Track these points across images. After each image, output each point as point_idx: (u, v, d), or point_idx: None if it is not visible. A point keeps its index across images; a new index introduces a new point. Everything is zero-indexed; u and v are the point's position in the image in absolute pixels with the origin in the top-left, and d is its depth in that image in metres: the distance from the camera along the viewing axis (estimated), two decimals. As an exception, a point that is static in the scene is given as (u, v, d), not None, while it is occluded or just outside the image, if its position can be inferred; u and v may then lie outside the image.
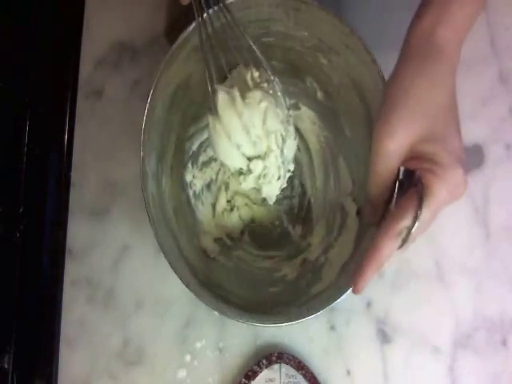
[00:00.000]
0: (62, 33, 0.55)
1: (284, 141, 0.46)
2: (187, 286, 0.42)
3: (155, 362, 0.52)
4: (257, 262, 0.53)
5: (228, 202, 0.54)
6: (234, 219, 0.54)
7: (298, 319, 0.43)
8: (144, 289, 0.53)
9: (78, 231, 0.53)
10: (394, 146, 0.36)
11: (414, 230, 0.34)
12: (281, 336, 0.52)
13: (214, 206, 0.54)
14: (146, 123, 0.44)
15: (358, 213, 0.50)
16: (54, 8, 0.55)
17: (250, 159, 0.45)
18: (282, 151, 0.46)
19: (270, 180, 0.46)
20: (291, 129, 0.47)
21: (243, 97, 0.44)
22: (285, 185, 0.48)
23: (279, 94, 0.45)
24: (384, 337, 0.52)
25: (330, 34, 0.46)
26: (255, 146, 0.44)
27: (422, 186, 0.35)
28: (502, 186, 0.55)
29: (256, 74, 0.45)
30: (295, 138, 0.47)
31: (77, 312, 0.52)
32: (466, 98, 0.55)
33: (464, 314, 0.53)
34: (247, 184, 0.47)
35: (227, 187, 0.54)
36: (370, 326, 0.52)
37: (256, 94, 0.44)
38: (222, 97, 0.43)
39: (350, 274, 0.38)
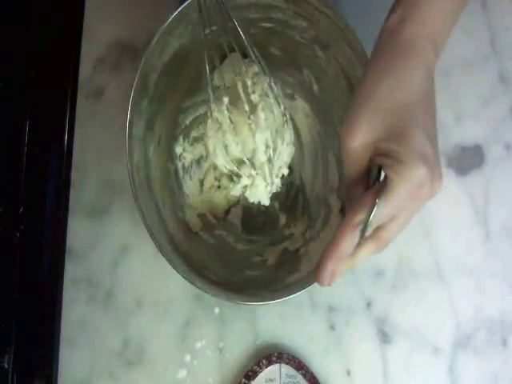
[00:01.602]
0: (61, 33, 0.55)
1: (275, 150, 0.46)
2: (160, 250, 0.42)
3: (155, 362, 0.52)
4: (238, 244, 0.53)
5: (216, 179, 0.54)
6: (220, 197, 0.54)
7: (269, 301, 0.43)
8: (144, 289, 0.53)
9: (77, 231, 0.53)
10: (355, 144, 0.36)
11: (369, 222, 0.35)
12: (281, 336, 0.52)
13: (201, 181, 0.54)
14: (136, 85, 0.44)
15: (342, 210, 0.50)
16: (54, 8, 0.55)
17: (238, 164, 0.46)
18: (270, 161, 0.46)
19: (256, 191, 0.47)
20: (287, 134, 0.47)
21: (234, 106, 0.45)
22: (274, 190, 0.48)
23: (272, 100, 0.46)
24: (384, 337, 0.52)
25: (328, 27, 0.46)
26: (242, 150, 0.46)
27: (384, 182, 0.35)
28: (502, 186, 0.55)
29: (249, 83, 0.46)
30: (292, 144, 0.47)
31: (77, 312, 0.52)
32: (466, 98, 0.55)
33: (464, 314, 0.53)
34: (235, 191, 0.48)
35: (216, 167, 0.54)
36: (370, 326, 0.52)
37: (244, 114, 0.45)
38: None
39: None
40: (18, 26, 0.55)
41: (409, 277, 0.53)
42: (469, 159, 0.55)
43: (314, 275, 0.38)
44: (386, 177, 0.36)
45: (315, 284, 0.40)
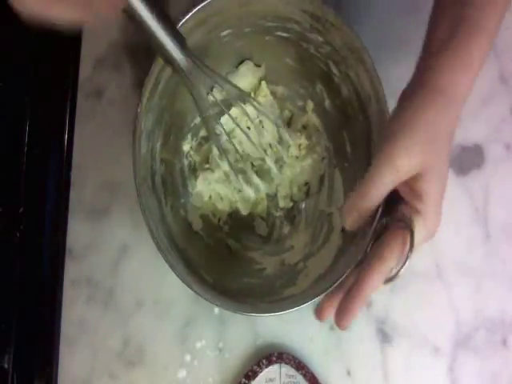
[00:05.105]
0: (61, 33, 0.55)
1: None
2: (158, 247, 0.42)
3: (155, 362, 0.52)
4: (238, 249, 0.53)
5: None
6: (224, 201, 0.54)
7: (264, 313, 0.44)
8: (144, 289, 0.53)
9: (77, 231, 0.53)
10: (390, 178, 0.36)
11: (402, 271, 0.36)
12: (281, 336, 0.52)
13: (206, 182, 0.53)
14: (149, 78, 0.43)
15: (343, 229, 0.49)
16: (54, 8, 0.55)
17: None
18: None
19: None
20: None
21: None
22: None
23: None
24: (384, 337, 0.52)
25: (343, 45, 0.46)
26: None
27: (409, 226, 0.36)
28: (502, 186, 0.55)
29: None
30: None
31: (77, 312, 0.52)
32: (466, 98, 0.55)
33: (464, 313, 0.53)
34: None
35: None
36: (370, 325, 0.52)
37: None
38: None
39: (323, 285, 0.41)
40: (18, 26, 0.54)
41: (409, 277, 0.53)
42: (469, 159, 0.55)
43: (334, 319, 0.37)
44: (405, 219, 0.37)
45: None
